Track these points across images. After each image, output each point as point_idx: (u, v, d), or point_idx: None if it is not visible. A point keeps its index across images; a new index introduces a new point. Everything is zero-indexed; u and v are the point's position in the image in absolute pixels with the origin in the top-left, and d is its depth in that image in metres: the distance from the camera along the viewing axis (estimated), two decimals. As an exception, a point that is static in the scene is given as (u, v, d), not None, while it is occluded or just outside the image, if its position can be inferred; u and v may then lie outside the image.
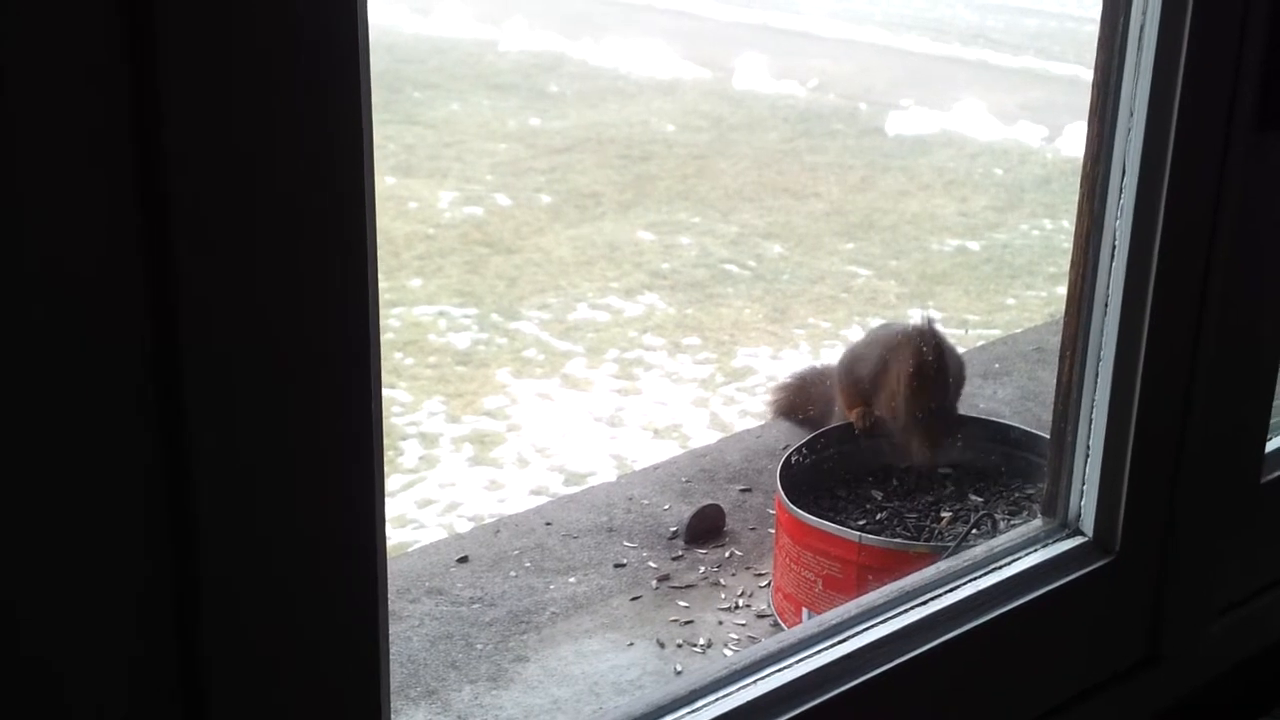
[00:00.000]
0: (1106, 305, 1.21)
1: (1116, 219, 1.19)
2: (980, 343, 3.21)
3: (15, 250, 0.62)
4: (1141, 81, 1.13)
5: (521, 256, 6.74)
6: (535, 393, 5.34)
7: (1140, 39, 1.12)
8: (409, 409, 5.11)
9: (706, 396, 5.35)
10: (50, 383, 0.65)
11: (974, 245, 6.95)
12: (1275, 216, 1.25)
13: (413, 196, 7.45)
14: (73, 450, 0.66)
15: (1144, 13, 1.11)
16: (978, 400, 2.25)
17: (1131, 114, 1.15)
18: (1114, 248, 1.19)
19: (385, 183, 7.45)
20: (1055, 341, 2.35)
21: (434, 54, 10.79)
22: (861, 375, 1.85)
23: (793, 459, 1.77)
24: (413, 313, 5.99)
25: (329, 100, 0.69)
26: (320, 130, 0.69)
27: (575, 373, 5.53)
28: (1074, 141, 8.39)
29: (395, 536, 4.11)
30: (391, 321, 5.74)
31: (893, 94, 9.80)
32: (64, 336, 0.64)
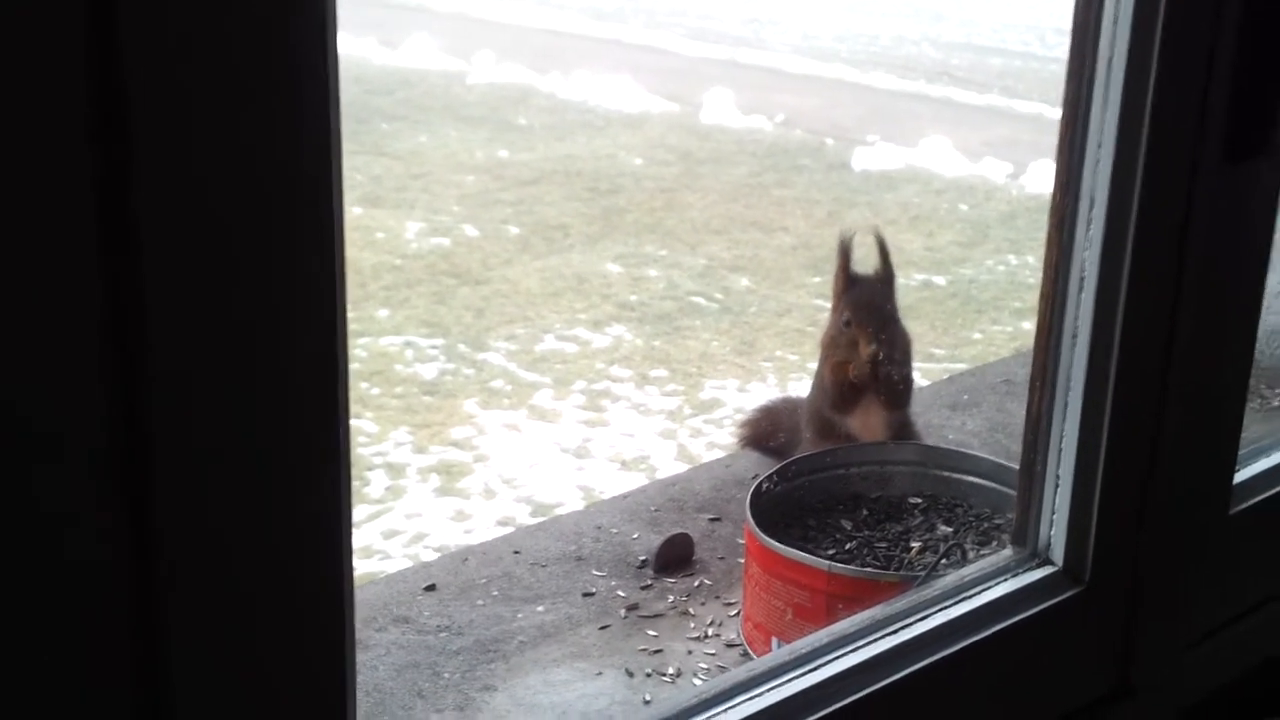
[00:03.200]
0: (1075, 336, 1.22)
1: (1085, 250, 1.19)
2: (947, 376, 3.22)
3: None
4: (1110, 113, 1.14)
5: (489, 287, 6.74)
6: (502, 423, 5.33)
7: (1109, 71, 1.13)
8: (375, 439, 5.09)
9: (674, 428, 5.36)
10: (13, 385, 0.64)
11: (940, 280, 7.00)
12: (1242, 247, 1.26)
13: (380, 227, 7.45)
14: (32, 454, 0.65)
15: (1112, 45, 1.12)
16: (947, 431, 2.26)
17: (1100, 145, 1.16)
18: (1083, 279, 1.20)
19: (352, 213, 7.44)
20: (1023, 374, 2.37)
21: (402, 86, 10.80)
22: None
23: (763, 486, 1.76)
24: (379, 343, 5.98)
25: (298, 131, 0.68)
26: (289, 162, 0.69)
27: (543, 404, 5.52)
28: (1039, 178, 8.47)
29: (361, 567, 4.08)
30: (358, 351, 5.72)
31: (859, 130, 9.87)
32: (24, 337, 0.64)
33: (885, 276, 1.91)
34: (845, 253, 1.90)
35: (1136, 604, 1.31)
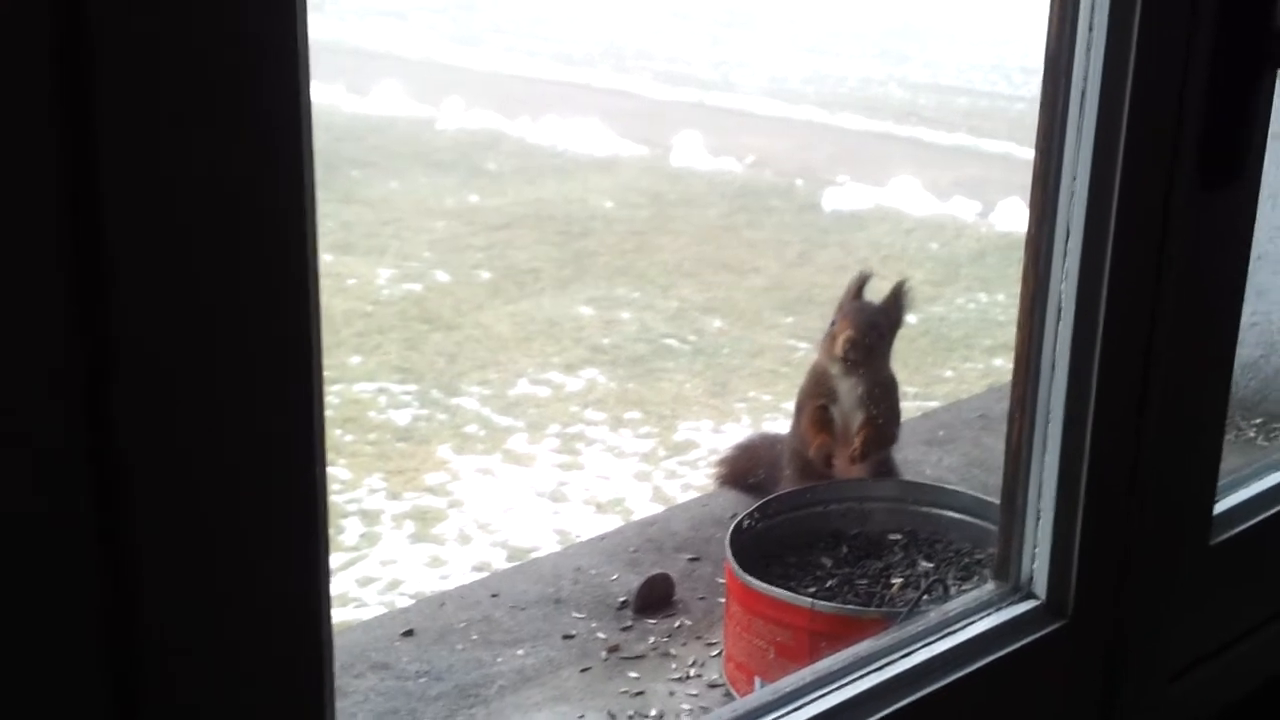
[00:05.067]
0: (1054, 367, 1.22)
1: (1061, 282, 1.19)
2: (920, 414, 3.23)
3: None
4: (1084, 145, 1.14)
5: (461, 333, 6.73)
6: (477, 468, 5.31)
7: (1082, 103, 1.14)
8: (349, 486, 5.06)
9: (649, 470, 5.35)
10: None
11: (911, 319, 7.01)
12: (1218, 275, 1.26)
13: (351, 274, 7.43)
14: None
15: (1084, 77, 1.13)
16: (924, 467, 2.26)
17: (1075, 178, 1.16)
18: (1059, 310, 1.20)
19: (324, 260, 7.37)
20: (999, 409, 2.37)
21: (371, 132, 10.81)
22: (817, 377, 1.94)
23: (744, 523, 1.76)
24: (352, 389, 5.95)
25: (272, 179, 0.68)
26: (264, 210, 0.68)
27: (517, 448, 5.51)
28: (1008, 216, 8.53)
29: (337, 615, 4.02)
30: (331, 399, 5.69)
31: (829, 170, 9.93)
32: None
33: (886, 309, 1.94)
34: (860, 284, 1.93)
35: (1120, 636, 1.31)
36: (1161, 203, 1.18)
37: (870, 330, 1.88)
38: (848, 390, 1.90)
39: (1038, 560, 1.28)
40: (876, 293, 1.97)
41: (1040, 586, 1.28)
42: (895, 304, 1.94)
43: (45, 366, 0.64)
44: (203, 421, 0.69)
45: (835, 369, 1.90)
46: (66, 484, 0.66)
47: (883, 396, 1.91)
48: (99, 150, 0.62)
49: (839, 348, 1.87)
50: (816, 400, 1.93)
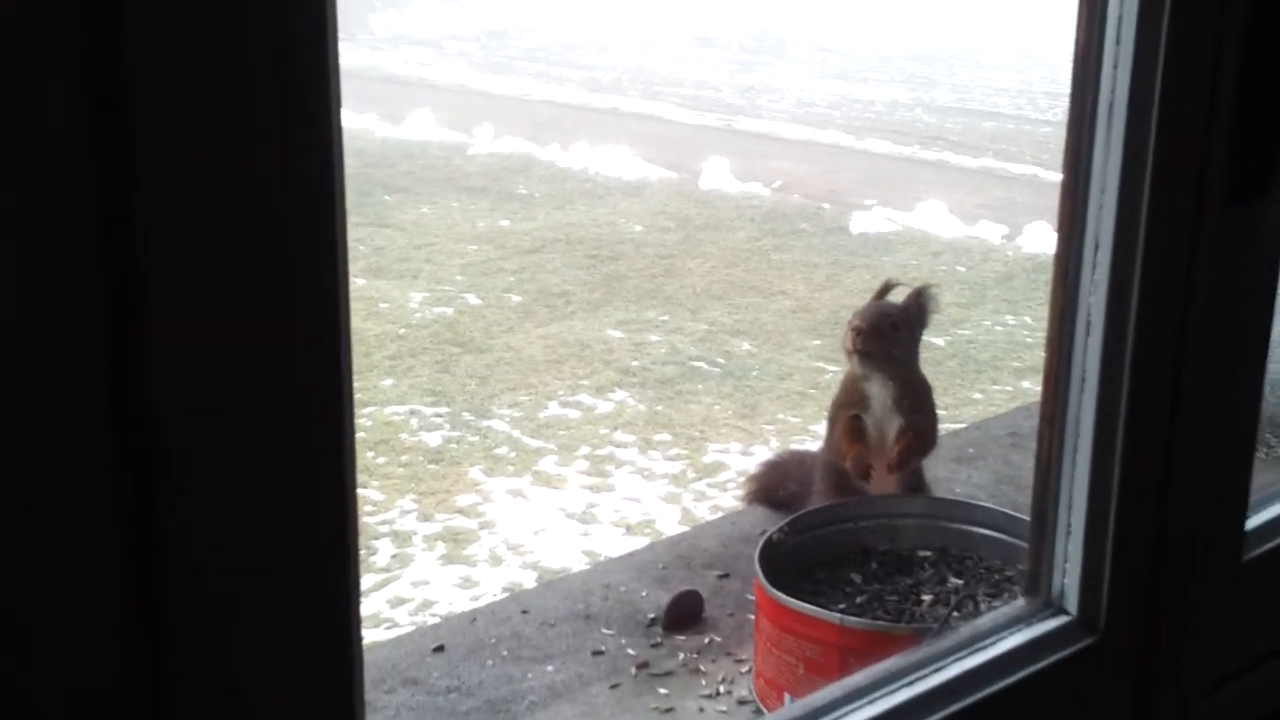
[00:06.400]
0: (1084, 382, 1.22)
1: (1091, 295, 1.19)
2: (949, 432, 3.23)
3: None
4: (1113, 157, 1.14)
5: (492, 355, 6.76)
6: (507, 490, 5.33)
7: (1110, 117, 1.14)
8: (381, 508, 5.08)
9: (678, 492, 5.35)
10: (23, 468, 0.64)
11: (939, 341, 7.00)
12: (1248, 290, 1.26)
13: (383, 297, 7.48)
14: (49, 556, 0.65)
15: (1113, 91, 1.13)
16: (953, 484, 2.26)
17: (1103, 191, 1.16)
18: (1089, 324, 1.20)
19: (356, 284, 7.48)
20: (1028, 426, 2.37)
21: (404, 158, 10.89)
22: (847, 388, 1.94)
23: (773, 539, 1.76)
24: (384, 412, 5.99)
25: (303, 205, 0.69)
26: (295, 235, 0.69)
27: (547, 470, 5.52)
28: (1034, 239, 8.51)
29: (368, 636, 4.05)
30: (363, 421, 5.72)
31: (856, 194, 9.94)
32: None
33: (906, 307, 1.94)
34: (884, 290, 1.96)
35: (1152, 652, 1.30)
36: (1191, 216, 1.18)
37: (882, 320, 1.88)
38: (879, 395, 1.90)
39: (1069, 576, 1.27)
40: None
41: (1071, 602, 1.27)
42: (916, 304, 1.94)
43: (84, 385, 0.65)
44: (233, 444, 0.69)
45: (857, 369, 1.90)
46: (100, 501, 0.66)
47: (915, 404, 1.91)
48: (138, 185, 0.63)
49: (846, 340, 1.88)
50: (848, 410, 1.92)
